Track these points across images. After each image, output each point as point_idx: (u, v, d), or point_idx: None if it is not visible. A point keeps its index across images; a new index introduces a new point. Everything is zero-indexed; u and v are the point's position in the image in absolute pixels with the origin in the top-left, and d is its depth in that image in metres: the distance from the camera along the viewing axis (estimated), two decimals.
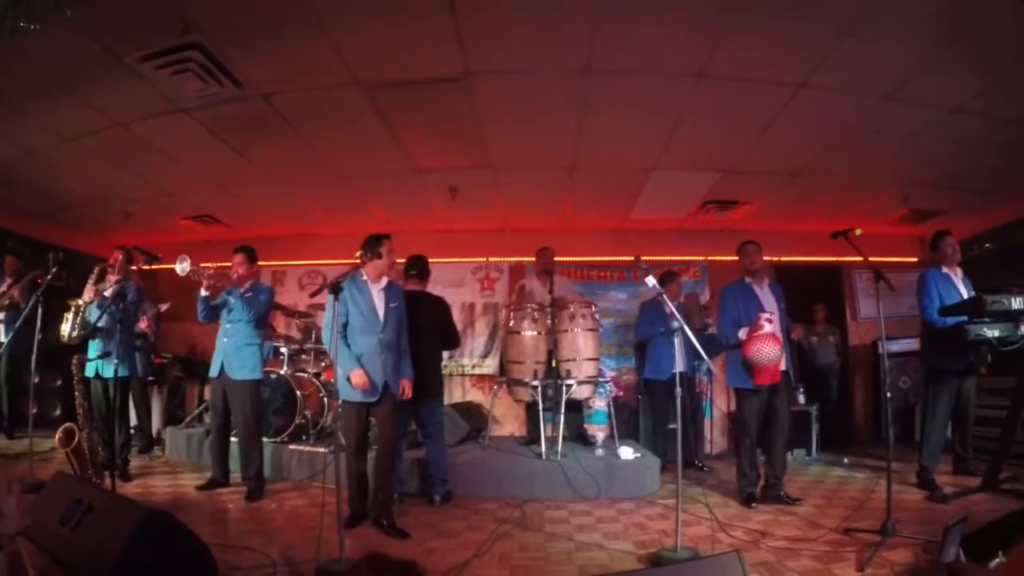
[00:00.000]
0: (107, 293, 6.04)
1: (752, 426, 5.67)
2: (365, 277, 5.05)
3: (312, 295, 5.12)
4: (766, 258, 6.01)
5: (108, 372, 5.96)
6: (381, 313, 5.02)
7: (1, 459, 6.55)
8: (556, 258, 7.67)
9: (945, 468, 6.07)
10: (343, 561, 3.81)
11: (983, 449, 6.10)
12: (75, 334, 6.29)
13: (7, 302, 7.33)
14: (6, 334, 7.41)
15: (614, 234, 9.68)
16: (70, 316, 6.36)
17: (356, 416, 5.05)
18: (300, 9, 4.17)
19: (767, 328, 5.37)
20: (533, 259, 7.74)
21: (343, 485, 4.14)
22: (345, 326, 5.00)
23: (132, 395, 6.84)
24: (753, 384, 5.52)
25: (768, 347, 5.33)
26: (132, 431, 6.69)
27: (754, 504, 5.51)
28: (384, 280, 5.14)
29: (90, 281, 6.26)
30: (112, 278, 6.20)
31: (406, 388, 5.09)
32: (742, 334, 5.54)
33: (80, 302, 6.29)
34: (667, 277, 7.48)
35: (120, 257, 6.29)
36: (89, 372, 6.12)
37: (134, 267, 6.13)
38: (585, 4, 4.15)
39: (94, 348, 6.13)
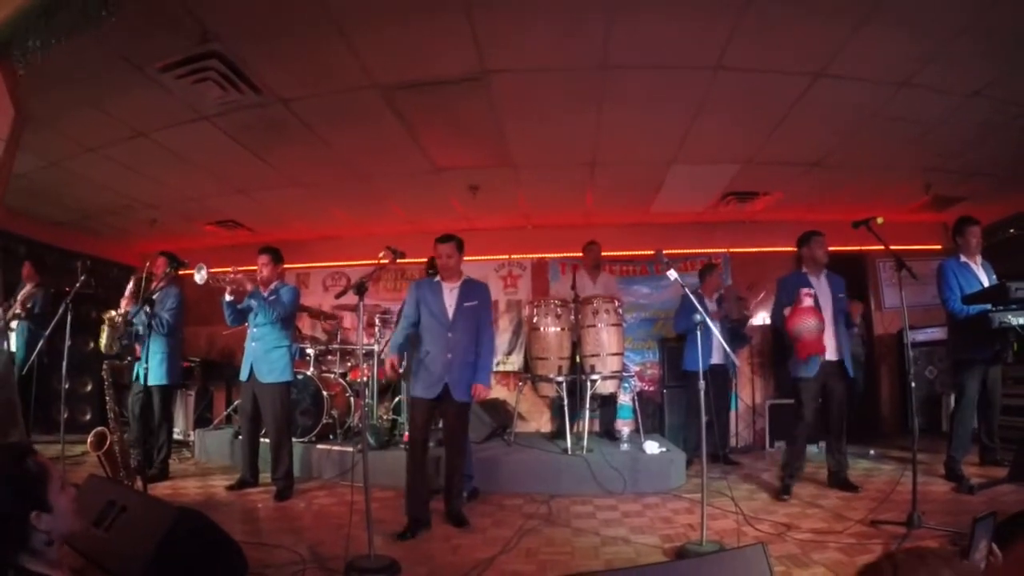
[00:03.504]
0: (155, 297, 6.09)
1: (808, 413, 5.65)
2: (439, 277, 5.21)
3: (338, 296, 5.15)
4: (788, 248, 6.00)
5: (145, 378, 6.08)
6: (451, 312, 5.07)
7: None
8: (577, 253, 7.70)
9: (972, 459, 6.00)
10: (372, 558, 3.87)
11: (1010, 439, 6.03)
12: (114, 346, 6.40)
13: (19, 312, 7.39)
14: (21, 342, 7.43)
15: (635, 228, 9.64)
16: (106, 329, 6.47)
17: (420, 410, 5.10)
18: (316, 15, 4.22)
19: (807, 302, 5.41)
20: (555, 255, 7.78)
21: (372, 483, 4.16)
22: (417, 324, 5.15)
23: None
24: (798, 359, 5.55)
25: (809, 319, 5.37)
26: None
27: (785, 496, 5.50)
28: (459, 279, 5.21)
29: (126, 292, 6.36)
30: (157, 284, 6.25)
31: (479, 393, 5.12)
32: (786, 311, 5.57)
33: (113, 314, 6.39)
34: (707, 269, 7.61)
35: (164, 263, 6.36)
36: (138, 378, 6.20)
37: (172, 272, 6.11)
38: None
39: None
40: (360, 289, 4.34)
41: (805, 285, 5.68)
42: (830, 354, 5.60)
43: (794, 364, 5.68)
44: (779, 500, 5.48)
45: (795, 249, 6.05)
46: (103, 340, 6.46)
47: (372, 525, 3.95)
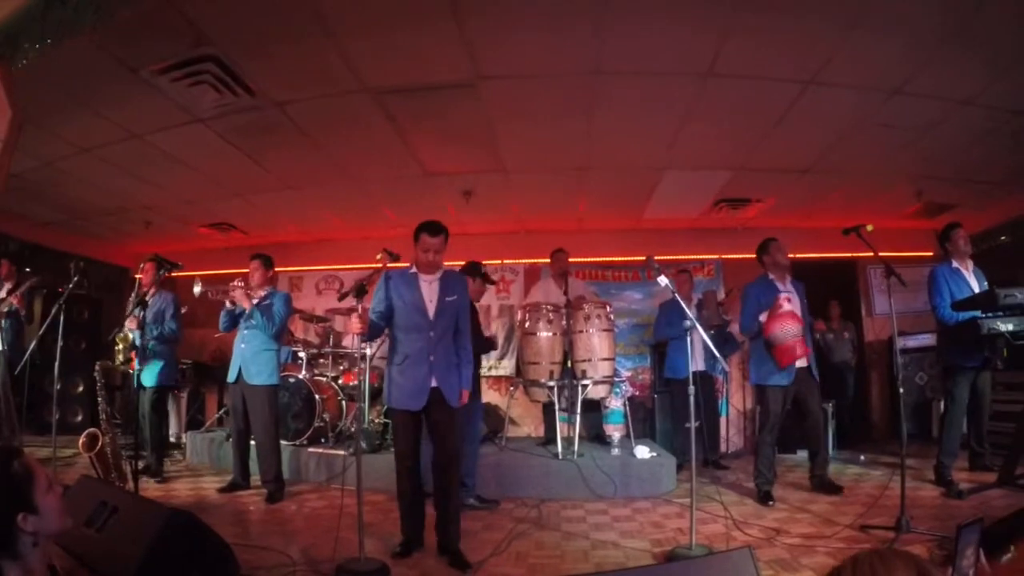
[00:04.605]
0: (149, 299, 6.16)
1: (776, 423, 5.70)
2: (414, 269, 4.51)
3: (340, 298, 4.90)
4: None
5: (144, 380, 6.28)
6: (431, 308, 4.42)
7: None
8: (571, 259, 7.72)
9: (962, 464, 6.02)
10: (363, 561, 3.88)
11: (999, 444, 6.07)
12: (128, 361, 6.48)
13: (5, 309, 7.33)
14: (4, 341, 7.34)
15: (628, 234, 9.68)
16: (121, 346, 6.52)
17: (404, 426, 4.47)
18: (311, 19, 4.25)
19: (786, 307, 5.42)
20: (548, 260, 7.80)
21: (363, 487, 4.15)
22: (390, 317, 4.49)
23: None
24: (778, 368, 5.55)
25: (789, 324, 5.39)
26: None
27: (770, 502, 5.52)
28: (438, 271, 4.52)
29: (128, 308, 6.41)
30: (146, 289, 6.30)
31: (464, 398, 4.55)
32: (762, 317, 5.58)
33: (124, 331, 6.43)
34: (678, 274, 7.66)
35: (150, 267, 6.39)
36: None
37: (163, 275, 6.12)
38: (591, 6, 4.20)
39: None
40: (360, 292, 4.24)
41: (773, 292, 5.71)
42: (801, 361, 5.63)
43: (766, 371, 5.68)
44: (766, 506, 5.50)
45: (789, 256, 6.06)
46: (120, 356, 6.52)
47: (363, 528, 3.96)
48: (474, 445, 5.78)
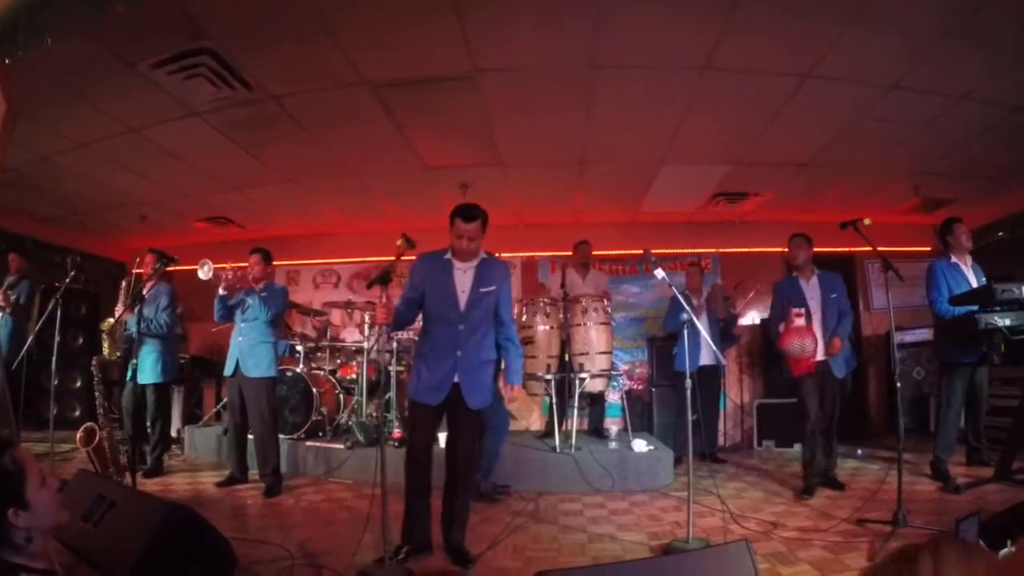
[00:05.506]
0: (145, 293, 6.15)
1: (813, 410, 5.70)
2: (449, 254, 4.23)
3: (369, 286, 4.58)
4: (777, 249, 6.04)
5: (144, 377, 6.31)
6: (463, 299, 4.13)
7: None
8: (567, 252, 7.72)
9: (959, 459, 6.04)
10: (388, 567, 3.79)
11: (996, 439, 6.07)
12: (117, 351, 6.45)
13: (2, 304, 7.30)
14: (5, 335, 7.27)
15: (626, 227, 9.66)
16: (106, 339, 6.51)
17: (420, 420, 4.24)
18: (307, 13, 4.23)
19: (797, 322, 5.49)
20: (546, 254, 7.78)
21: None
22: (421, 305, 4.27)
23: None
24: (790, 375, 5.66)
25: (798, 340, 5.47)
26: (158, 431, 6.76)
27: (806, 496, 5.49)
28: (475, 259, 4.23)
29: (120, 298, 6.39)
30: (146, 282, 6.30)
31: (515, 393, 4.36)
32: (781, 328, 5.67)
33: (110, 322, 6.42)
34: (688, 267, 7.82)
35: (150, 260, 6.37)
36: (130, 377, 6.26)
37: (161, 268, 6.07)
38: None
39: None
40: (384, 279, 4.02)
41: (796, 290, 5.78)
42: (819, 354, 5.64)
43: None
44: (800, 499, 5.47)
45: (783, 250, 6.10)
46: (106, 349, 6.51)
47: (388, 529, 3.91)
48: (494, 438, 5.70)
